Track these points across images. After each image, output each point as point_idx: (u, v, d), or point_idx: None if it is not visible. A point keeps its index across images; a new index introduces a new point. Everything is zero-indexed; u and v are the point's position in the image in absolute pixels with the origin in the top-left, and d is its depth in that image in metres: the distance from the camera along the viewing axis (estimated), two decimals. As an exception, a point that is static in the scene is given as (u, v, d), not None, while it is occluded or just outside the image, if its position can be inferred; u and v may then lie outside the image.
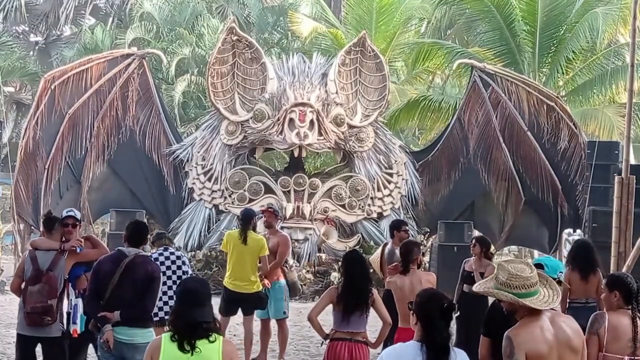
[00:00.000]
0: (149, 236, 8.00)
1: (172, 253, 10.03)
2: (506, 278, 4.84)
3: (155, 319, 9.78)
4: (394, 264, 9.08)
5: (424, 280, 8.19)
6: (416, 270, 8.29)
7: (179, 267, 9.92)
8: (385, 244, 11.12)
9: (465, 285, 10.49)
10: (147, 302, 6.98)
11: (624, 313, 5.58)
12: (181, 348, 4.49)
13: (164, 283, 9.83)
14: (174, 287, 9.85)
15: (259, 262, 10.52)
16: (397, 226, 10.97)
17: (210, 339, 4.52)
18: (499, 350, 4.92)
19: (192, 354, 4.47)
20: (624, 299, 5.60)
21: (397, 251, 10.32)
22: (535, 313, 4.81)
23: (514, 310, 4.86)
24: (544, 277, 5.01)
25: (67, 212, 8.16)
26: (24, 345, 7.62)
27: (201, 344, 4.49)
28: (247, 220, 10.60)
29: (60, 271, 7.54)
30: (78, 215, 8.24)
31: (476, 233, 17.29)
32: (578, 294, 8.84)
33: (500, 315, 5.29)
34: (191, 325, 4.51)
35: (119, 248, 7.29)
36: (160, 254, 9.95)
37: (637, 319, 5.53)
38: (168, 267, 9.88)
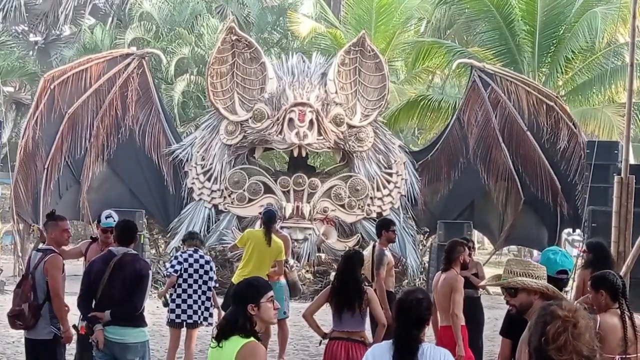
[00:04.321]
0: (138, 234, 7.97)
1: (201, 256, 9.94)
2: (528, 268, 4.83)
3: (177, 320, 9.78)
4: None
5: (443, 281, 8.27)
6: (452, 270, 8.38)
7: (206, 272, 9.84)
8: (374, 245, 10.46)
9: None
10: (135, 299, 6.97)
11: (614, 313, 5.54)
12: (215, 340, 4.43)
13: (190, 286, 9.75)
14: (199, 291, 9.80)
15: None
16: (385, 225, 10.45)
17: (234, 337, 4.37)
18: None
19: (216, 348, 4.39)
20: (611, 297, 5.53)
21: (387, 252, 10.29)
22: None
23: (529, 306, 4.78)
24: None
25: (110, 221, 8.39)
26: (26, 346, 7.60)
27: (230, 341, 4.36)
28: (272, 221, 10.60)
29: (39, 275, 7.33)
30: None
31: (476, 233, 17.28)
32: None
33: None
34: (227, 321, 4.44)
35: (109, 248, 7.30)
36: (190, 255, 9.87)
37: (626, 316, 5.47)
38: (196, 271, 9.80)
